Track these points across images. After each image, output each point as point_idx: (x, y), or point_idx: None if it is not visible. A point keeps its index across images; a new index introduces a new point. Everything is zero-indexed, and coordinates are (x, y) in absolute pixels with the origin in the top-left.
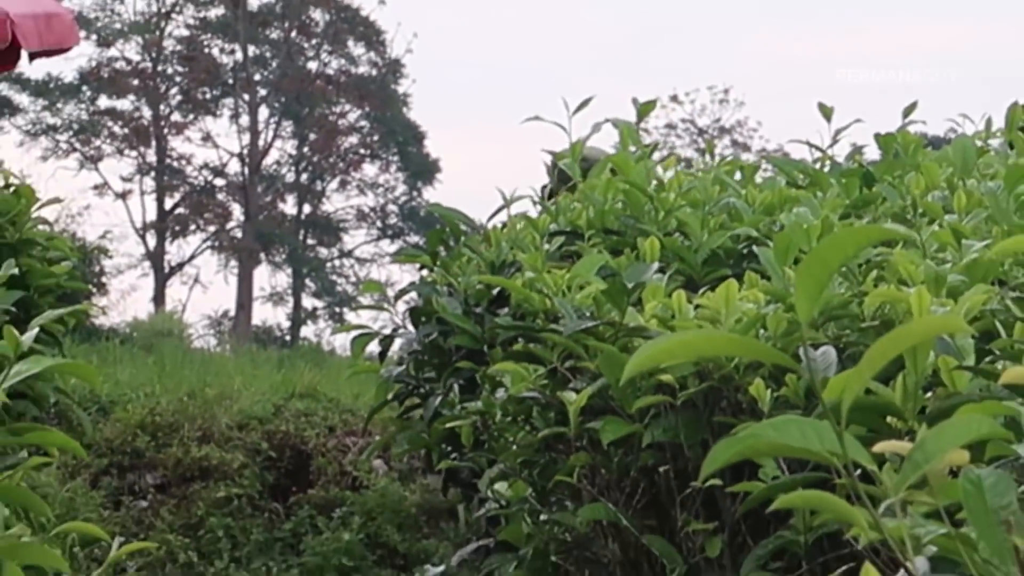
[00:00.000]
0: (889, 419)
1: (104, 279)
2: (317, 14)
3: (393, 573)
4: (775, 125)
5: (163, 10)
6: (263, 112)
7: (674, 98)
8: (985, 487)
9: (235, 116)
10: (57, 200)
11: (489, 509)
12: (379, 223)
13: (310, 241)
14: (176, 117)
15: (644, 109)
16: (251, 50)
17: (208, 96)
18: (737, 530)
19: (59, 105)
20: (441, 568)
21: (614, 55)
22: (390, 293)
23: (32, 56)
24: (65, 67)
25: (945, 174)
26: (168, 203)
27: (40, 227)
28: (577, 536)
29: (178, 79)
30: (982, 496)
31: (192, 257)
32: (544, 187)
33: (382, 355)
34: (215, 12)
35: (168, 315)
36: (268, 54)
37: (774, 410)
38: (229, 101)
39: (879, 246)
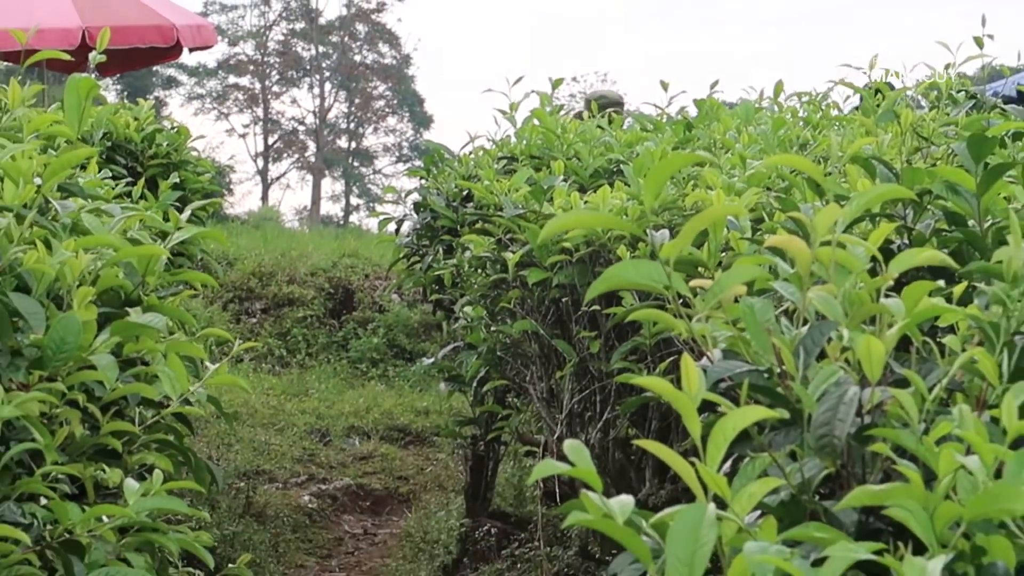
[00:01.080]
0: (700, 269)
1: (231, 186)
2: (360, 27)
3: (404, 363)
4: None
5: (267, 24)
6: (328, 86)
7: (574, 79)
8: (755, 309)
9: (311, 88)
10: (201, 136)
11: (460, 324)
12: (396, 153)
13: (355, 164)
14: (275, 88)
15: (555, 83)
16: (320, 48)
17: (294, 76)
18: (609, 336)
19: (204, 81)
20: (432, 360)
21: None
22: (403, 195)
23: (190, 51)
24: (208, 58)
25: (736, 123)
26: (270, 140)
27: (192, 152)
28: (513, 340)
29: (276, 65)
30: (754, 314)
31: (284, 173)
32: (579, 114)
33: (397, 231)
34: (299, 24)
35: (269, 208)
36: (331, 51)
37: (640, 261)
38: (307, 80)
39: (695, 166)
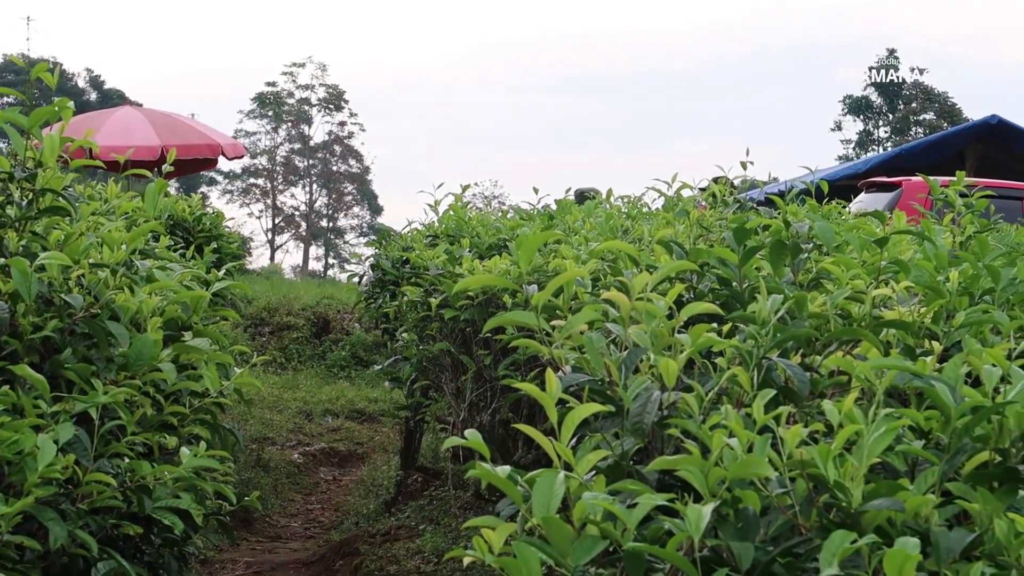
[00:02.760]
0: (557, 312)
1: (250, 250)
2: (337, 147)
3: (362, 368)
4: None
5: (276, 144)
6: (314, 186)
7: (476, 183)
8: (593, 339)
9: (304, 187)
10: (232, 218)
11: (399, 344)
12: (359, 231)
13: (332, 237)
14: (280, 187)
15: (464, 188)
16: (310, 161)
17: (293, 179)
18: (496, 354)
19: (234, 181)
20: (380, 367)
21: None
22: (363, 258)
23: (228, 159)
24: (236, 166)
25: (582, 216)
26: (276, 220)
27: (226, 228)
28: (433, 355)
29: (281, 171)
30: (592, 343)
31: (284, 242)
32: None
33: (359, 282)
34: (296, 145)
35: (275, 265)
36: (317, 163)
37: (513, 307)
38: (301, 181)
39: (555, 242)
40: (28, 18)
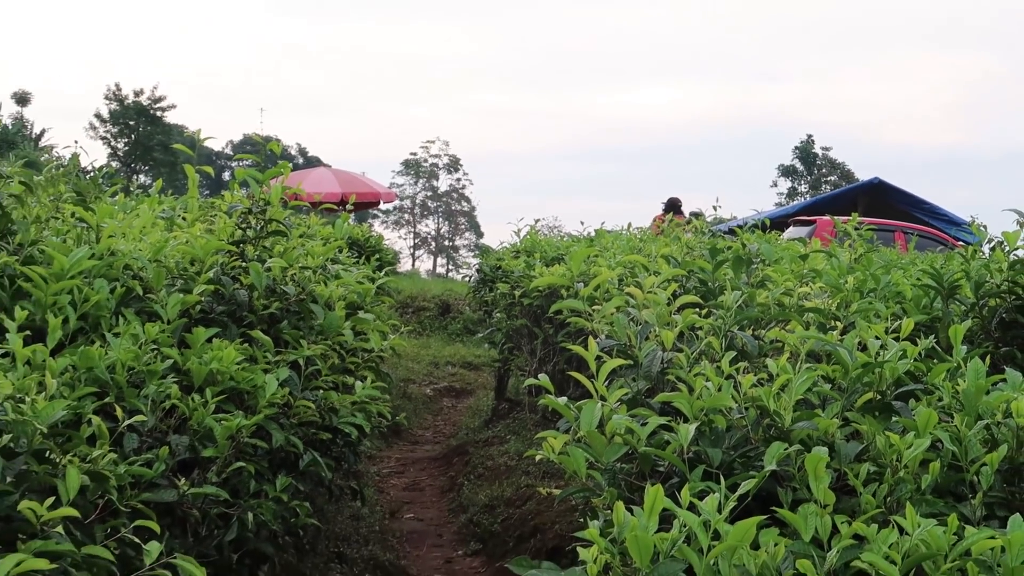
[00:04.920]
0: (597, 300)
1: (400, 259)
2: (455, 194)
3: (470, 335)
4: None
5: (415, 193)
6: (440, 218)
7: (542, 218)
8: (620, 319)
9: (434, 219)
10: (386, 240)
11: (494, 320)
12: (469, 248)
13: (452, 251)
14: (418, 219)
15: (536, 221)
16: (436, 203)
17: (426, 213)
18: (556, 327)
19: (387, 215)
20: (482, 334)
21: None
22: (472, 266)
23: (383, 202)
24: (390, 206)
25: (612, 239)
26: (415, 240)
27: (385, 244)
28: (516, 328)
29: (418, 209)
30: (620, 321)
31: (420, 255)
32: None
33: (469, 280)
34: (428, 192)
35: (415, 269)
36: (441, 204)
37: (568, 297)
38: (431, 215)
39: (595, 255)
40: (261, 109)
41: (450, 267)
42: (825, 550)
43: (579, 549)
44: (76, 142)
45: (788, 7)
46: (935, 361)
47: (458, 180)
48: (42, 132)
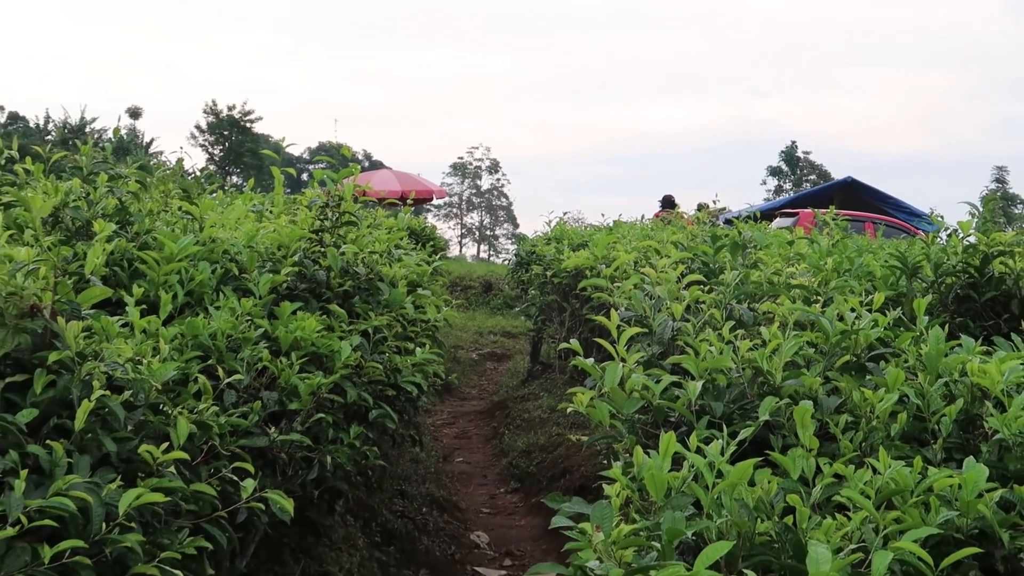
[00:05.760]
0: (616, 279)
1: (449, 245)
2: (496, 191)
3: (509, 309)
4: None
5: (463, 191)
6: (484, 212)
7: (567, 212)
8: (637, 293)
9: (478, 212)
10: (437, 229)
11: (529, 296)
12: (507, 236)
13: (492, 239)
14: (465, 213)
15: (563, 215)
16: (479, 198)
17: (470, 208)
18: (583, 301)
19: (439, 209)
20: (519, 308)
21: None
22: (510, 251)
23: (438, 199)
24: (441, 202)
25: (628, 228)
26: (462, 231)
27: (437, 233)
28: (547, 302)
29: (465, 204)
30: (638, 294)
31: (465, 242)
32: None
33: (509, 263)
34: (473, 190)
35: (462, 254)
36: (483, 199)
37: (592, 276)
38: (476, 210)
39: (615, 242)
40: (335, 120)
41: (491, 252)
42: (810, 487)
43: (604, 486)
44: (181, 148)
45: (774, 35)
46: (901, 329)
47: (498, 180)
48: (151, 141)
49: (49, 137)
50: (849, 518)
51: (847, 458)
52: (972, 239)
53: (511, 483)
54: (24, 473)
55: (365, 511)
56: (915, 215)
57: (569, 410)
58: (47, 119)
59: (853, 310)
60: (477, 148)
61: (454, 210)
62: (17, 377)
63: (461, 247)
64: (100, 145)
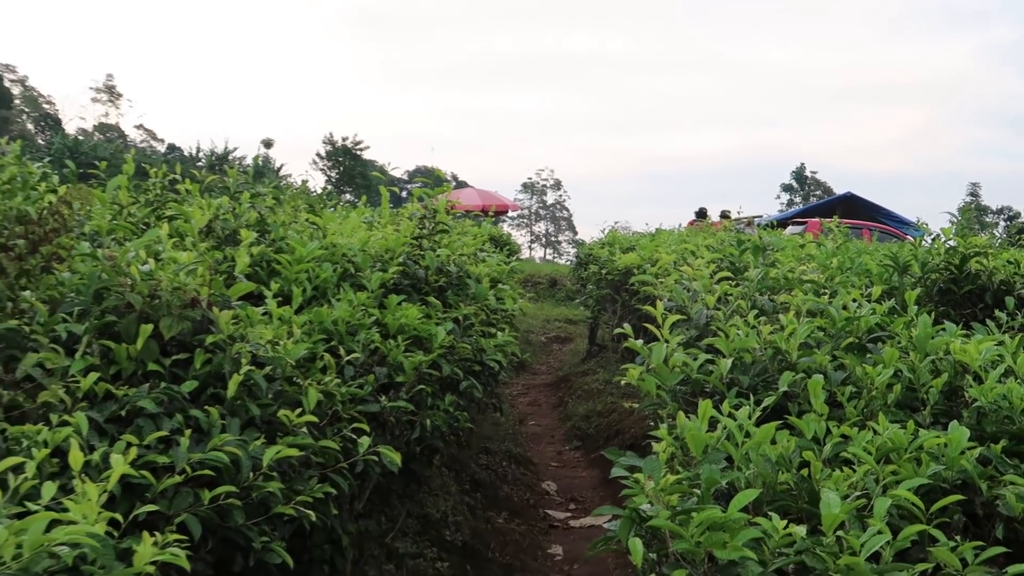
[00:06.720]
0: (659, 275)
1: (520, 249)
2: (559, 205)
3: (571, 300)
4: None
5: (531, 206)
6: (548, 222)
7: (617, 222)
8: (677, 287)
9: (544, 223)
10: (512, 236)
11: (587, 291)
12: (569, 242)
13: (557, 244)
14: (533, 223)
15: (614, 224)
16: (545, 211)
17: (538, 219)
18: (632, 294)
19: (512, 220)
20: (579, 300)
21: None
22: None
23: (512, 211)
24: (515, 214)
25: (669, 236)
26: (531, 237)
27: (512, 239)
28: (602, 295)
29: (534, 216)
30: (678, 288)
31: (534, 247)
32: (693, 220)
33: (571, 263)
34: (539, 205)
35: (531, 256)
36: (549, 212)
37: (639, 273)
38: (542, 220)
39: (658, 247)
40: (432, 148)
41: (555, 255)
42: (822, 445)
43: (652, 444)
44: (306, 171)
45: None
46: (895, 316)
47: (560, 196)
48: (281, 166)
49: (200, 164)
50: (854, 471)
51: (852, 422)
52: (952, 242)
53: (574, 442)
54: (188, 432)
55: (457, 464)
56: (904, 223)
57: (623, 382)
58: (198, 149)
59: (855, 300)
60: (543, 170)
61: (525, 221)
62: (181, 355)
63: (530, 251)
64: (243, 169)
